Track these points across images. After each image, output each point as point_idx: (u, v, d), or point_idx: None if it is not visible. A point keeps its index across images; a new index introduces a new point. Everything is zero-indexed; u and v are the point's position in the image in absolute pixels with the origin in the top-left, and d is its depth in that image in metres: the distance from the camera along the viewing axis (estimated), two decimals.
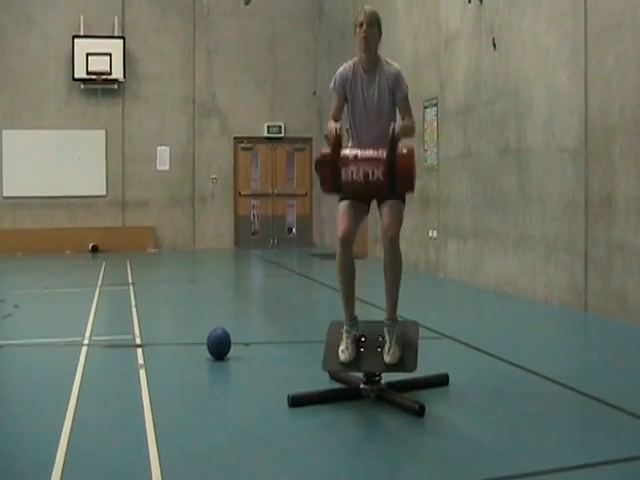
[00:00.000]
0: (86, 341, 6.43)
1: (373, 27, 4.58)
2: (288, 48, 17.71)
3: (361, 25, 4.58)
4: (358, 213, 4.60)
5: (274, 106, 17.74)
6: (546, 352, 6.06)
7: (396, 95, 4.62)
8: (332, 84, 4.72)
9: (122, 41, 16.61)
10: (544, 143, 8.35)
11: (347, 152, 4.39)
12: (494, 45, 9.35)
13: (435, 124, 11.21)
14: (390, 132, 4.33)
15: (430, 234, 11.38)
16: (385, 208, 4.50)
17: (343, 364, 4.51)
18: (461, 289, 9.94)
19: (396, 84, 4.60)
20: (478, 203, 9.90)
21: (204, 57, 17.32)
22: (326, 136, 4.46)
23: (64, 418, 4.17)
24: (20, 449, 3.79)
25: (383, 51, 4.77)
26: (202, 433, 3.97)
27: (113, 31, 16.74)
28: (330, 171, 4.35)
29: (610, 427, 4.05)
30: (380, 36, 4.63)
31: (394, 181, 4.30)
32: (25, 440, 3.92)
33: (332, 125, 4.46)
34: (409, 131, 4.57)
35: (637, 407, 4.30)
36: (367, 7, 4.68)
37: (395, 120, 4.59)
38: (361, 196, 4.59)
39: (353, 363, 4.50)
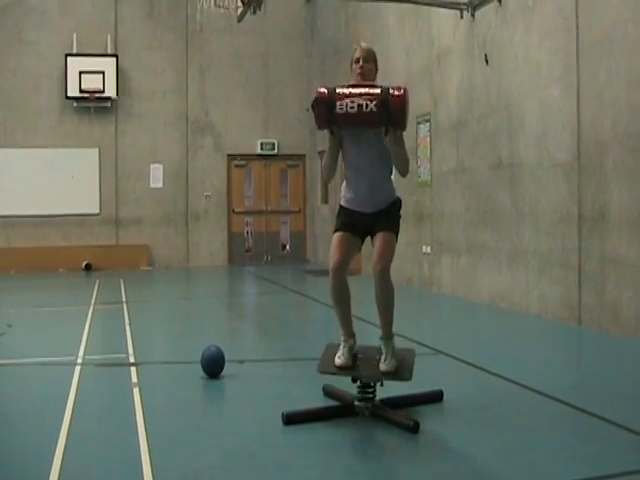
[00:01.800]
0: (80, 360, 6.41)
1: (369, 62, 4.61)
2: (281, 65, 17.76)
3: (357, 61, 4.60)
4: (351, 245, 4.63)
5: (267, 123, 17.76)
6: (540, 367, 6.05)
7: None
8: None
9: (115, 59, 16.63)
10: (537, 158, 8.38)
11: (342, 89, 4.42)
12: (486, 60, 9.39)
13: (428, 140, 11.23)
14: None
15: (424, 249, 11.38)
16: (378, 240, 4.54)
17: (339, 368, 4.54)
18: (455, 304, 9.93)
19: None
20: (471, 218, 9.92)
21: (197, 74, 17.36)
22: (320, 152, 4.48)
23: (58, 437, 4.14)
24: (14, 468, 3.76)
25: None
26: (196, 452, 3.95)
27: (106, 49, 16.77)
28: (325, 108, 4.40)
29: (605, 441, 4.05)
30: (376, 71, 4.66)
31: (388, 118, 4.34)
32: (19, 459, 3.89)
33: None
34: (402, 151, 4.55)
35: (632, 421, 4.30)
36: (363, 43, 4.75)
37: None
38: (355, 229, 4.61)
39: (348, 368, 4.52)
